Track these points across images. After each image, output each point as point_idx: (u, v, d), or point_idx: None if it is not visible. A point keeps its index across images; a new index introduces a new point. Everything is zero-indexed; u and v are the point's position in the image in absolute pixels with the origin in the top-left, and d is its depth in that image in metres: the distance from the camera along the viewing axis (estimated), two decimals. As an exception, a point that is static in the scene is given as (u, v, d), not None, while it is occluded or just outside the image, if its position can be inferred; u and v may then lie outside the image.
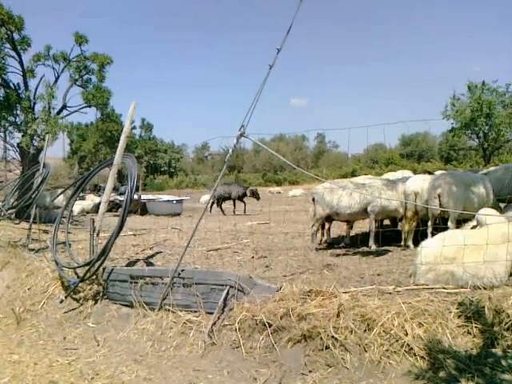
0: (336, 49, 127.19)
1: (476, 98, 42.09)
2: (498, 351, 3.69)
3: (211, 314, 4.73)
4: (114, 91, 15.45)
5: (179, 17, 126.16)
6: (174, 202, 18.28)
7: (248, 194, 18.72)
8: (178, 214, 16.87)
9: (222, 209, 18.08)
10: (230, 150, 5.21)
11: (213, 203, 18.16)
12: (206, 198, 21.60)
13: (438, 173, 9.94)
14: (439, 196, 7.54)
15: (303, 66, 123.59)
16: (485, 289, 4.66)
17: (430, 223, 7.77)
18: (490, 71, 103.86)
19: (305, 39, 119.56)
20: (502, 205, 8.45)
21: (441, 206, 7.45)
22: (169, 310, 5.04)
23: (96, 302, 5.75)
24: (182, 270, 5.24)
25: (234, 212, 18.10)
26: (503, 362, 3.54)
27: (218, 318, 4.67)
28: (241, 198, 18.55)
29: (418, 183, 8.01)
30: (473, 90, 42.97)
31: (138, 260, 7.04)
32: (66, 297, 5.94)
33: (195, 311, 4.95)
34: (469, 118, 41.93)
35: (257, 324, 4.31)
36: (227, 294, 4.83)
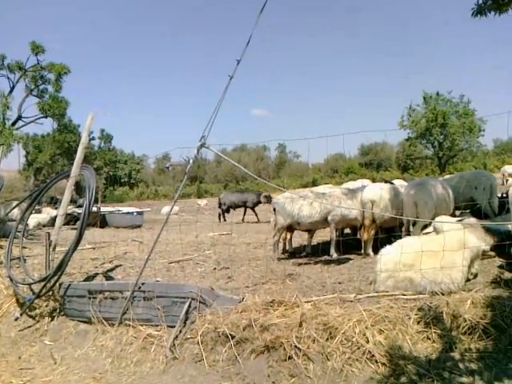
0: (296, 59, 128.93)
1: (431, 109, 43.59)
2: (456, 355, 3.77)
3: (173, 327, 4.65)
4: (71, 101, 15.17)
5: (142, 23, 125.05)
6: (135, 213, 17.95)
7: (263, 200, 17.73)
8: (139, 226, 16.57)
9: (224, 217, 17.69)
10: (191, 161, 5.16)
11: (223, 211, 17.78)
12: (167, 209, 21.32)
13: (396, 181, 10.17)
14: (416, 204, 7.70)
15: (263, 75, 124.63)
16: (443, 294, 4.77)
17: (404, 229, 7.94)
18: (446, 84, 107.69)
19: (266, 49, 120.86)
20: (457, 212, 8.71)
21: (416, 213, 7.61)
22: (129, 324, 4.93)
23: (53, 319, 5.56)
24: (143, 284, 5.15)
25: (242, 220, 17.57)
26: (461, 366, 3.62)
27: (180, 332, 4.59)
28: (255, 206, 18.00)
29: (375, 192, 8.18)
30: (428, 101, 44.48)
31: (96, 274, 6.86)
32: (21, 314, 5.71)
33: (156, 325, 4.86)
34: (424, 127, 43.38)
35: (219, 336, 4.27)
36: (189, 306, 4.77)
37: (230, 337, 4.18)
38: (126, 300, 5.04)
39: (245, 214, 17.99)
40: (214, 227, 13.82)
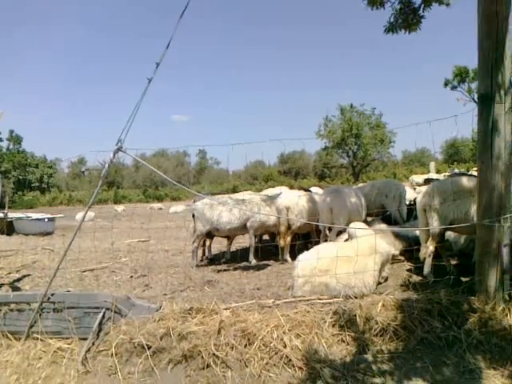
0: (217, 67, 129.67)
1: (347, 120, 45.68)
2: (369, 357, 3.91)
3: (85, 339, 4.43)
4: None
5: (60, 24, 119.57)
6: (46, 219, 16.98)
7: None
8: (50, 233, 15.73)
9: None
10: (106, 165, 4.97)
11: None
12: (81, 215, 20.39)
13: (313, 189, 10.45)
14: (331, 210, 7.91)
15: (184, 82, 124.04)
16: (356, 298, 4.95)
17: (322, 235, 8.15)
18: (361, 95, 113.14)
19: (187, 55, 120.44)
20: (369, 218, 9.10)
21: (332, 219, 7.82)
22: (37, 338, 4.63)
23: (-50, 334, 5.10)
24: (53, 294, 4.86)
25: None
26: (373, 367, 3.75)
27: (93, 344, 4.38)
28: None
29: (290, 199, 8.36)
30: (344, 112, 46.59)
31: (1, 285, 6.43)
32: None
33: (67, 338, 4.60)
34: (340, 137, 45.33)
35: (135, 347, 4.12)
36: (103, 317, 4.57)
37: (146, 347, 4.06)
38: (33, 312, 4.74)
39: None
40: (132, 234, 13.46)
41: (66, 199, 48.55)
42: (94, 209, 25.48)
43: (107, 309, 4.61)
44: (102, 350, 4.28)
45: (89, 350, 4.31)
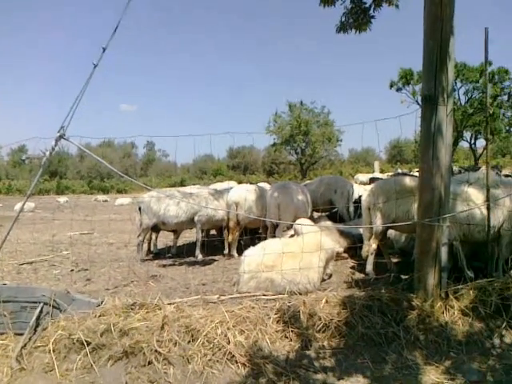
0: (167, 56, 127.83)
1: (296, 116, 46.17)
2: (311, 353, 3.97)
3: (22, 335, 4.25)
4: None
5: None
6: (-18, 209, 16.23)
7: None
8: (-13, 224, 15.03)
9: None
10: (48, 153, 4.76)
11: None
12: (20, 205, 19.55)
13: (261, 185, 10.49)
14: (279, 206, 7.93)
15: (133, 70, 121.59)
16: (300, 294, 5.00)
17: (269, 231, 8.14)
18: (308, 93, 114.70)
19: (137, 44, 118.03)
20: (316, 215, 9.24)
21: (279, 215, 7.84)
22: (-32, 334, 4.40)
23: None
24: (-13, 287, 4.64)
25: None
26: (316, 363, 3.80)
27: (30, 340, 4.21)
28: None
29: (239, 194, 8.33)
30: (293, 109, 47.06)
31: None
32: None
33: (2, 333, 4.40)
34: (289, 134, 45.77)
35: (74, 343, 3.98)
36: (41, 311, 4.39)
37: (85, 343, 3.93)
38: (-35, 306, 4.50)
39: None
40: (74, 226, 13.01)
41: (5, 188, 46.50)
42: (35, 199, 24.60)
43: (45, 303, 4.44)
44: (39, 346, 4.12)
45: (25, 345, 4.13)
